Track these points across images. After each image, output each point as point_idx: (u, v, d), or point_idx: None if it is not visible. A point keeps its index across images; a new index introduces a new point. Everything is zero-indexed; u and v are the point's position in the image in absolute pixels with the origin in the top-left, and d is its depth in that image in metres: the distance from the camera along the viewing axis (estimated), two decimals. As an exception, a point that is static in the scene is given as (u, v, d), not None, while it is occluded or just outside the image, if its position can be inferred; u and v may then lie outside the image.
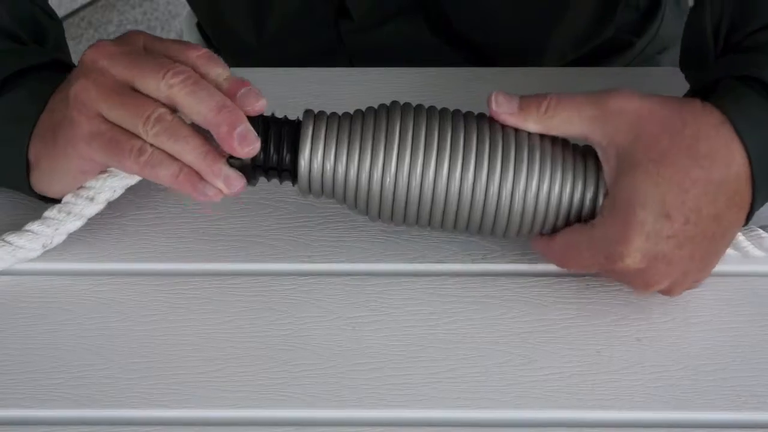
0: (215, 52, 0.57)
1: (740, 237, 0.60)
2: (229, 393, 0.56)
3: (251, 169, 0.56)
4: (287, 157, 0.56)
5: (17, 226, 0.61)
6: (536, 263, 0.62)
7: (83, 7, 1.74)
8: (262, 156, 0.56)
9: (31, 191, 0.61)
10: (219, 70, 0.56)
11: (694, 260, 0.56)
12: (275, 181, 0.58)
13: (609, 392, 0.56)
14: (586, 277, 0.61)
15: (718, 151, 0.55)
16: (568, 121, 0.56)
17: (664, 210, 0.54)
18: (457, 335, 0.59)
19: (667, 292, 0.58)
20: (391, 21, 0.81)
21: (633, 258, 0.55)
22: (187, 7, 0.97)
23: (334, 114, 0.57)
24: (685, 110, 0.56)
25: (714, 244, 0.56)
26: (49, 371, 0.57)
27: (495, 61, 0.82)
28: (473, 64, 0.83)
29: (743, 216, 0.57)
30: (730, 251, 0.60)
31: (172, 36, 1.85)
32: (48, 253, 0.62)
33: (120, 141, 0.55)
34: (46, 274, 0.62)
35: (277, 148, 0.56)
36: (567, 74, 0.78)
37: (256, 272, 0.62)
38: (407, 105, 0.57)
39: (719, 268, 0.62)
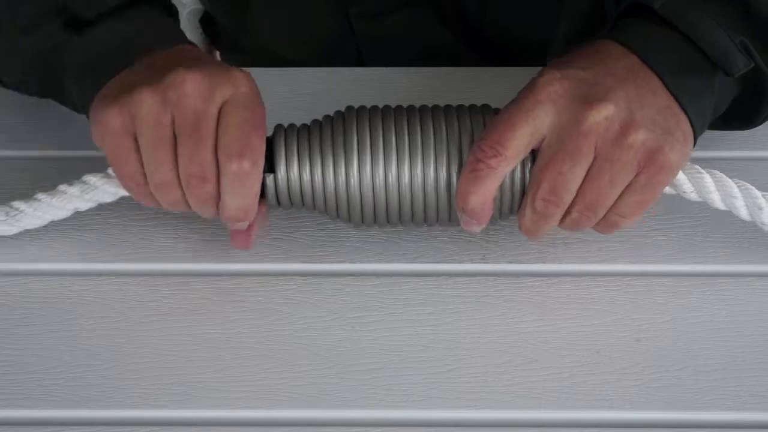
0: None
1: (680, 175, 0.58)
2: (229, 393, 0.56)
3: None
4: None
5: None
6: (536, 263, 0.62)
7: (84, 7, 1.74)
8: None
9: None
10: None
11: (624, 90, 0.55)
12: None
13: (609, 392, 0.56)
14: (586, 277, 0.61)
15: (609, 53, 0.57)
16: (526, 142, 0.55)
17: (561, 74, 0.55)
18: (457, 335, 0.58)
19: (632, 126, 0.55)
20: (402, 10, 0.81)
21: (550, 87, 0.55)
22: (188, 8, 0.97)
23: (303, 126, 0.58)
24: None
25: (636, 83, 0.56)
26: (48, 371, 0.57)
27: (505, 54, 0.82)
28: (481, 56, 0.83)
29: (655, 83, 0.56)
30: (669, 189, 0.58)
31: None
32: (48, 253, 0.62)
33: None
34: (46, 274, 0.62)
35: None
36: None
37: (256, 272, 0.62)
38: (362, 109, 0.58)
39: (719, 268, 0.62)
